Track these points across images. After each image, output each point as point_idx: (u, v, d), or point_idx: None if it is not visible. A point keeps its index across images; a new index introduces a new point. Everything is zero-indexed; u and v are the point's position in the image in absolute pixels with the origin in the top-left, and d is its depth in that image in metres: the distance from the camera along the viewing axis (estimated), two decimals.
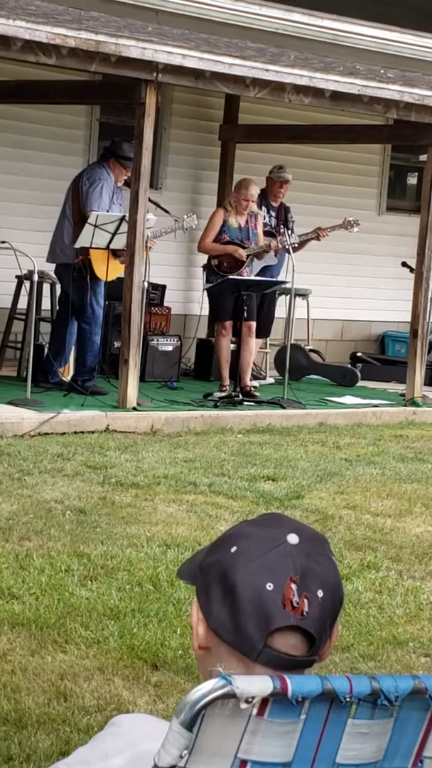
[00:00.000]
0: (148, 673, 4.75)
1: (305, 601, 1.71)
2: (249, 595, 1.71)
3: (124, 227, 10.42)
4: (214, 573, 1.75)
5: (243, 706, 1.57)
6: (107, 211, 10.67)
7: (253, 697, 1.57)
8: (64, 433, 9.44)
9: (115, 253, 10.67)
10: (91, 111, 12.85)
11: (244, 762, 1.61)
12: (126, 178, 10.93)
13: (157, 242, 11.16)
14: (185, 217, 11.47)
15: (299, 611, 1.70)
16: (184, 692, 4.43)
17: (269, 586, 1.70)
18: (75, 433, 9.53)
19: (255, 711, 1.58)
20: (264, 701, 1.58)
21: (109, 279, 10.76)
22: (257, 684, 1.58)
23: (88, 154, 12.61)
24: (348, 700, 1.63)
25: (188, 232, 12.22)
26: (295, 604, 1.70)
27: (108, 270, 10.67)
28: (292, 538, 1.74)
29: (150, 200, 10.72)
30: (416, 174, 15.84)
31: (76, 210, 10.82)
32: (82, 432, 9.57)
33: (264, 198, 12.46)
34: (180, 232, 11.70)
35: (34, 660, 4.76)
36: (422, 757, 1.73)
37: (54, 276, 11.50)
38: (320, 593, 1.72)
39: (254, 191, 11.72)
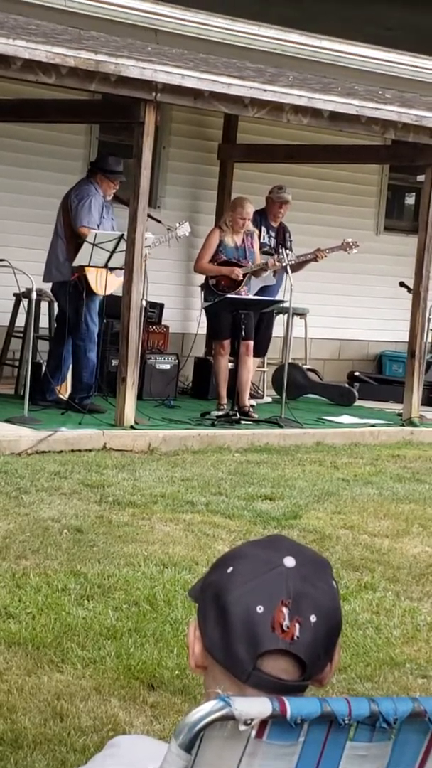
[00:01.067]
0: (145, 693, 4.73)
1: (296, 625, 1.70)
2: (240, 617, 1.70)
3: (123, 246, 10.44)
4: (210, 593, 1.75)
5: (242, 728, 1.57)
6: (98, 226, 10.69)
7: (252, 719, 1.57)
8: (61, 452, 9.43)
9: (111, 268, 10.68)
10: (90, 130, 12.88)
11: None
12: (114, 191, 10.95)
13: (150, 253, 11.16)
14: (178, 225, 11.47)
15: (289, 635, 1.69)
16: (181, 713, 4.43)
17: (259, 609, 1.69)
18: (72, 451, 9.52)
19: (254, 733, 1.58)
20: (263, 723, 1.58)
21: (104, 293, 10.73)
22: (256, 706, 1.58)
23: (86, 172, 12.63)
24: (347, 722, 1.62)
25: (186, 249, 12.24)
26: (285, 628, 1.69)
27: (104, 284, 10.65)
28: (289, 561, 1.73)
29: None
30: (414, 194, 15.89)
31: (67, 227, 10.85)
32: (80, 450, 9.57)
33: (263, 218, 12.49)
34: (174, 242, 11.68)
35: (31, 680, 4.75)
36: None
37: (51, 295, 11.52)
38: (313, 618, 1.71)
39: (250, 209, 11.74)
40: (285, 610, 1.70)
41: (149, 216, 11.06)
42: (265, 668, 1.70)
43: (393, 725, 1.65)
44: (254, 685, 1.70)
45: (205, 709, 1.56)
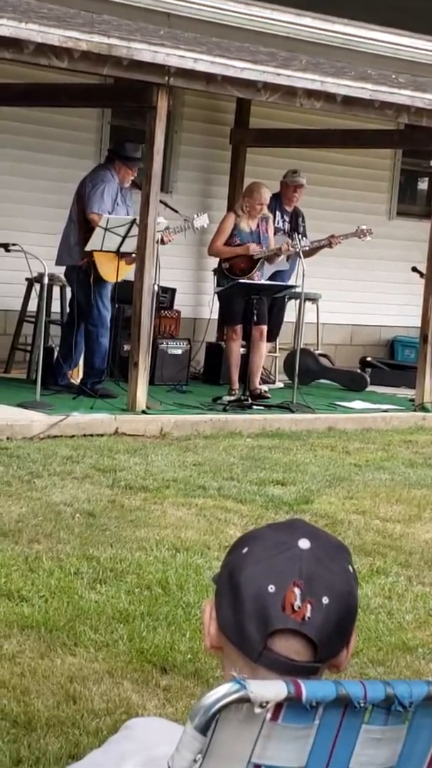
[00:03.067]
0: (158, 676, 4.74)
1: (308, 606, 1.70)
2: (251, 596, 1.71)
3: (135, 230, 10.43)
4: (226, 573, 1.76)
5: (257, 710, 1.57)
6: (110, 213, 10.68)
7: (267, 702, 1.57)
8: (73, 436, 9.45)
9: (121, 254, 10.67)
10: (102, 114, 12.86)
11: (257, 767, 1.61)
12: (133, 178, 10.93)
13: (174, 237, 11.18)
14: (195, 216, 11.46)
15: (300, 615, 1.69)
16: (194, 696, 4.44)
17: (271, 588, 1.70)
18: (84, 436, 9.53)
19: (269, 716, 1.58)
20: (278, 706, 1.58)
21: (115, 280, 10.74)
22: (272, 689, 1.58)
23: (99, 157, 12.61)
24: (362, 705, 1.62)
25: (198, 235, 12.23)
26: (296, 608, 1.69)
27: (114, 271, 10.65)
28: (303, 543, 1.73)
29: (159, 201, 10.74)
30: (427, 179, 15.85)
31: (81, 212, 10.84)
32: (92, 435, 9.58)
33: (278, 202, 12.46)
34: (190, 233, 11.69)
35: (44, 663, 4.76)
36: None
37: (64, 279, 11.52)
38: (326, 600, 1.71)
39: (267, 195, 11.72)
40: (297, 590, 1.70)
41: (167, 205, 11.06)
42: (276, 648, 1.71)
43: (408, 708, 1.65)
44: (266, 665, 1.71)
45: (221, 692, 1.56)
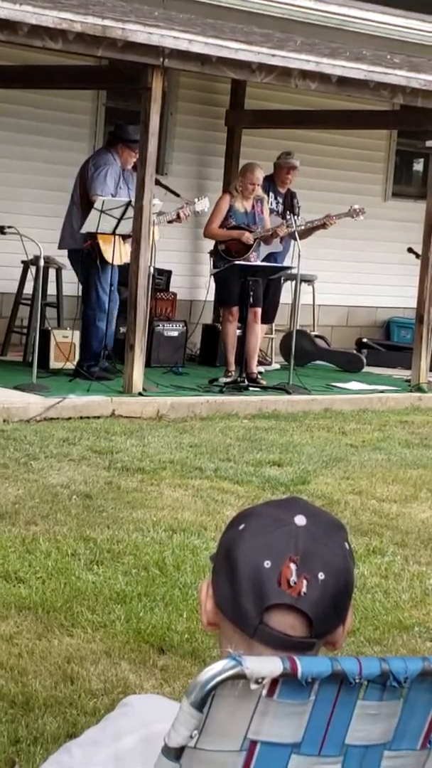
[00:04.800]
0: (155, 656, 4.76)
1: (304, 581, 1.70)
2: (247, 571, 1.72)
3: (131, 212, 10.41)
4: (222, 549, 1.77)
5: (253, 686, 1.57)
6: (112, 195, 10.68)
7: (263, 678, 1.58)
8: (69, 418, 9.45)
9: (124, 237, 10.68)
10: (97, 96, 12.83)
11: (253, 742, 1.62)
12: (135, 160, 10.92)
13: (188, 214, 11.24)
14: (196, 200, 11.47)
15: (296, 591, 1.70)
16: (191, 676, 4.45)
17: (267, 564, 1.71)
18: (81, 418, 9.54)
19: (265, 692, 1.59)
20: (274, 682, 1.59)
21: (118, 263, 10.73)
22: (267, 665, 1.59)
23: (94, 139, 12.60)
24: (357, 681, 1.63)
25: (194, 217, 12.21)
26: (292, 584, 1.70)
27: (118, 254, 10.64)
28: (300, 520, 1.74)
29: (161, 184, 10.75)
30: (422, 160, 15.82)
31: (83, 195, 10.84)
32: (88, 417, 9.58)
33: (271, 184, 12.45)
34: (192, 216, 11.70)
35: (41, 643, 4.78)
36: (431, 739, 1.74)
37: (59, 262, 11.52)
38: (322, 576, 1.72)
39: (260, 175, 11.71)
40: (292, 566, 1.71)
41: (168, 189, 11.07)
42: (272, 623, 1.71)
43: (403, 684, 1.65)
44: (262, 641, 1.72)
45: (217, 668, 1.57)
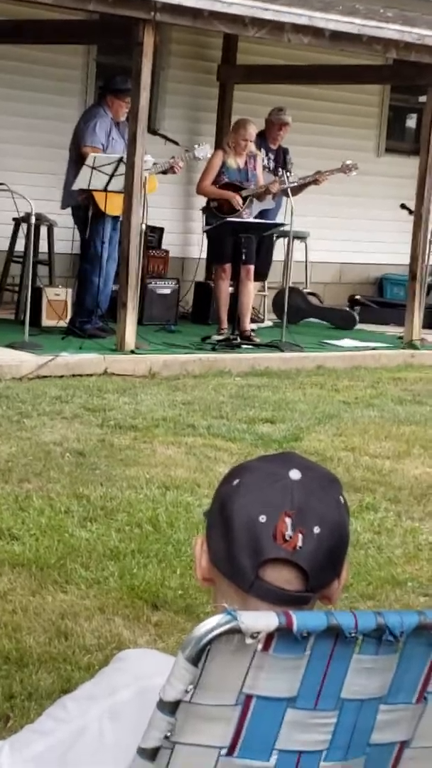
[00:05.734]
0: (149, 612, 4.77)
1: (299, 535, 1.71)
2: (242, 526, 1.71)
3: (122, 169, 10.35)
4: (216, 504, 1.77)
5: (248, 641, 1.57)
6: (103, 146, 10.62)
7: (258, 633, 1.57)
8: (62, 376, 9.44)
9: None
10: (88, 51, 12.73)
11: (249, 697, 1.62)
12: (127, 110, 10.83)
13: (183, 165, 11.17)
14: (195, 146, 11.41)
15: (292, 545, 1.70)
16: (184, 631, 4.46)
17: (262, 518, 1.70)
18: (73, 376, 9.53)
19: (260, 646, 1.59)
20: (269, 637, 1.59)
21: (117, 214, 10.61)
22: (262, 619, 1.58)
23: (85, 94, 12.51)
24: (353, 635, 1.63)
25: (186, 173, 12.16)
26: (287, 538, 1.70)
27: (115, 205, 10.55)
28: (294, 474, 1.74)
29: (159, 134, 10.67)
30: (415, 115, 15.73)
31: (77, 153, 10.77)
32: (81, 375, 9.57)
33: (263, 140, 12.38)
34: (194, 163, 11.65)
35: (35, 600, 4.79)
36: (426, 693, 1.74)
37: (51, 219, 11.48)
38: (317, 529, 1.72)
39: (253, 131, 11.64)
40: (288, 520, 1.71)
41: (166, 138, 11.00)
42: (267, 578, 1.71)
43: (399, 638, 1.65)
44: (257, 596, 1.72)
45: (212, 623, 1.56)
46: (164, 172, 11.23)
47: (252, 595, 1.72)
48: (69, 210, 10.91)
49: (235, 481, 1.76)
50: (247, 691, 1.61)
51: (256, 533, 1.71)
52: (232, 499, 1.74)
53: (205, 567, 1.79)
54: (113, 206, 10.54)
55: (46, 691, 4.00)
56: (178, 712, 1.58)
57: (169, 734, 1.59)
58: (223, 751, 1.63)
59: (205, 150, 11.44)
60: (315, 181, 12.28)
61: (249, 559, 1.71)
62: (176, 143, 11.23)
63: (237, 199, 11.62)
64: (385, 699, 1.71)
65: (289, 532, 1.70)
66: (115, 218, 10.69)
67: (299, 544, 1.70)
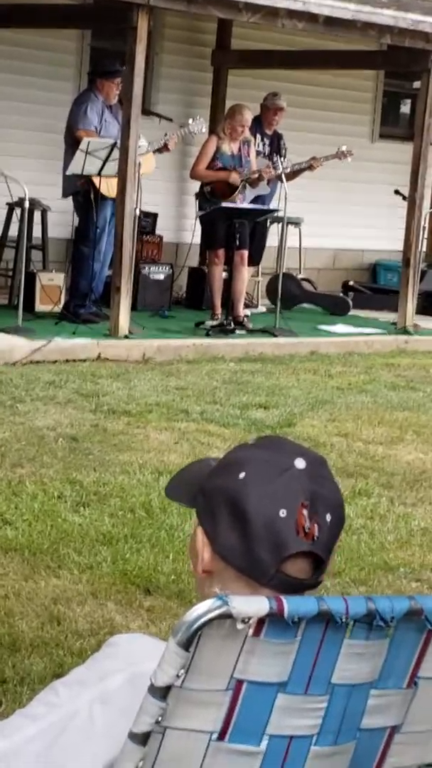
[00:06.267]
0: (141, 597, 4.78)
1: (316, 526, 1.73)
2: (262, 522, 1.72)
3: (116, 154, 10.32)
4: (220, 498, 1.76)
5: (239, 626, 1.58)
6: (97, 129, 10.60)
7: (249, 618, 1.58)
8: (55, 361, 9.43)
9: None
10: (82, 36, 12.68)
11: (240, 682, 1.62)
12: (118, 91, 10.79)
13: (176, 141, 11.13)
14: (190, 121, 11.38)
15: (311, 536, 1.73)
16: (177, 616, 4.47)
17: (282, 513, 1.72)
18: (67, 361, 9.52)
19: (251, 631, 1.59)
20: (260, 622, 1.59)
21: (114, 196, 10.57)
22: (253, 605, 1.59)
23: (79, 79, 12.47)
24: (344, 620, 1.63)
25: (180, 158, 12.13)
26: (307, 530, 1.73)
27: (114, 188, 10.51)
28: (300, 463, 1.75)
29: (152, 112, 10.63)
30: (409, 101, 15.71)
31: (72, 138, 10.74)
32: (74, 360, 9.56)
33: (258, 125, 12.35)
34: (189, 138, 11.62)
35: (28, 585, 4.79)
36: (417, 678, 1.75)
37: (45, 204, 11.45)
38: (329, 517, 1.75)
39: (248, 117, 11.61)
40: (305, 512, 1.73)
41: (159, 116, 10.96)
42: (287, 570, 1.74)
43: (390, 623, 1.66)
44: (274, 587, 1.74)
45: (203, 608, 1.57)
46: (159, 151, 11.20)
47: (268, 587, 1.73)
48: (66, 195, 10.89)
49: (240, 475, 1.76)
50: (238, 676, 1.62)
51: (277, 529, 1.72)
52: (244, 493, 1.74)
53: (209, 560, 1.79)
54: (112, 189, 10.51)
55: (38, 675, 4.00)
56: (169, 697, 1.59)
57: (160, 719, 1.60)
58: (214, 736, 1.64)
59: (200, 124, 11.40)
60: (310, 167, 12.26)
61: (270, 554, 1.73)
62: (170, 120, 11.19)
63: (234, 176, 11.57)
64: (376, 684, 1.72)
65: (307, 524, 1.73)
66: (114, 202, 10.67)
67: (316, 534, 1.73)
